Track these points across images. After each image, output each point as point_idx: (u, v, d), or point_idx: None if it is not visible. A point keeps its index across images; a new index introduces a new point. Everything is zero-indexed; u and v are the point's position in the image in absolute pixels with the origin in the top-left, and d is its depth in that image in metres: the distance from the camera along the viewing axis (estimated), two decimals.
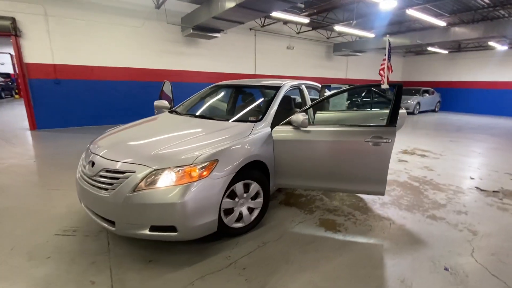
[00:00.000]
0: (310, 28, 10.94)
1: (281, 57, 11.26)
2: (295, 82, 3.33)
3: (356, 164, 2.54)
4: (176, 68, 8.77)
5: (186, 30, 7.91)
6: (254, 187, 2.33)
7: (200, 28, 7.35)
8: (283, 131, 2.58)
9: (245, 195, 2.28)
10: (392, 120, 2.45)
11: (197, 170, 1.87)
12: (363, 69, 14.74)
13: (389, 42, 3.15)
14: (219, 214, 2.08)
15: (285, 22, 10.70)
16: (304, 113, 2.50)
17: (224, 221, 2.17)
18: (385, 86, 2.85)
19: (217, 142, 2.15)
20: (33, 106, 6.86)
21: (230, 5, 5.12)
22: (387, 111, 3.60)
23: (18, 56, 6.50)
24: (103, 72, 7.63)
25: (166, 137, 2.35)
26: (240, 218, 2.30)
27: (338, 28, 8.89)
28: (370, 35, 9.88)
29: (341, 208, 2.91)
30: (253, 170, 2.32)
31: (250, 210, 2.39)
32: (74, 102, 7.41)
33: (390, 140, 2.39)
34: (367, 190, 2.60)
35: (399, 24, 10.68)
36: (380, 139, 2.40)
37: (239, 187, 2.20)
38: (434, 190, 3.49)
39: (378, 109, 4.08)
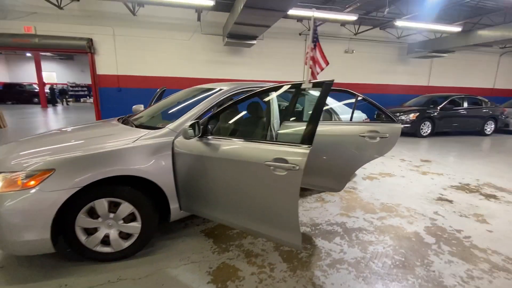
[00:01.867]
0: (370, 27, 9.35)
1: (338, 62, 10.05)
2: (243, 86, 2.71)
3: (257, 197, 1.77)
4: (220, 77, 9.03)
5: (225, 39, 8.05)
6: (125, 207, 1.92)
7: (233, 36, 7.33)
8: (185, 143, 2.07)
9: (111, 215, 1.91)
10: (308, 137, 1.59)
11: (21, 179, 1.64)
12: (451, 74, 11.57)
13: (315, 22, 2.14)
14: (67, 233, 1.79)
15: (343, 23, 9.54)
16: (197, 121, 1.93)
17: (81, 241, 1.86)
18: (306, 85, 1.93)
19: (70, 148, 1.86)
20: (100, 109, 8.37)
21: (240, 8, 4.84)
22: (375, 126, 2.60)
23: (92, 69, 8.08)
24: (156, 81, 8.60)
25: (54, 142, 2.10)
26: (108, 241, 1.94)
27: (400, 23, 7.22)
28: (454, 29, 7.60)
29: (266, 254, 2.11)
30: (124, 187, 1.92)
31: (125, 235, 1.99)
32: (131, 106, 8.63)
33: (297, 167, 1.55)
34: (278, 237, 1.78)
35: (493, 13, 7.81)
36: (284, 163, 1.59)
37: (100, 205, 1.85)
38: (451, 256, 2.15)
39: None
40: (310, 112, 3.03)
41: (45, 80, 17.14)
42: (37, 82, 16.44)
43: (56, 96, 18.37)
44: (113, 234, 1.94)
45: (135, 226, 1.98)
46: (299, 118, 3.46)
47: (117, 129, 2.31)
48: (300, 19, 9.12)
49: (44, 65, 21.02)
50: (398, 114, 8.28)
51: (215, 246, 2.21)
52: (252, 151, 1.75)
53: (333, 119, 3.66)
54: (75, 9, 7.59)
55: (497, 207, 3.17)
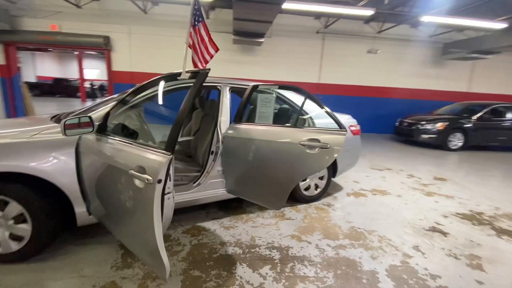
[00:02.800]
0: (394, 24, 8.38)
1: (359, 63, 9.23)
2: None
3: (126, 210, 1.47)
4: (231, 76, 8.85)
5: (232, 37, 7.83)
6: (13, 207, 1.76)
7: (238, 33, 7.07)
8: (89, 141, 1.85)
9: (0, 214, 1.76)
10: (169, 142, 1.25)
11: None
12: (497, 79, 9.91)
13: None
14: None
15: (366, 21, 8.72)
16: (89, 116, 1.69)
17: None
18: (184, 75, 1.54)
19: None
20: None
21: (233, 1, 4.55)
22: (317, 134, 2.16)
23: (108, 66, 8.45)
24: None
25: None
26: None
27: (428, 18, 6.30)
28: (498, 25, 6.43)
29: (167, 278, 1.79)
30: (14, 185, 1.75)
31: (18, 236, 1.83)
32: None
33: (151, 180, 1.21)
34: (146, 261, 1.45)
35: None
36: (142, 173, 1.27)
37: None
38: None
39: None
40: (264, 112, 2.65)
41: (89, 76, 18.71)
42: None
43: (95, 90, 19.98)
44: (2, 234, 1.79)
45: (25, 229, 1.81)
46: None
47: (31, 123, 2.18)
48: (317, 16, 8.54)
49: (89, 62, 23.16)
50: (422, 122, 7.28)
51: (120, 260, 1.95)
52: (123, 155, 1.46)
53: (306, 124, 3.21)
54: (95, 8, 7.99)
55: (509, 248, 2.43)
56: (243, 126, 2.44)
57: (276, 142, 2.29)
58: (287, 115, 3.13)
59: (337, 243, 2.35)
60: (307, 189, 3.16)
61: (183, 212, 2.70)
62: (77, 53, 21.79)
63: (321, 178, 3.23)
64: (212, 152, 2.51)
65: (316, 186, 3.22)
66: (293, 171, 2.25)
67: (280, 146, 2.27)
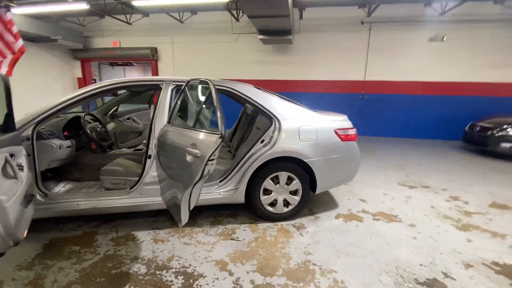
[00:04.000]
0: (459, 1, 6.48)
1: (416, 55, 7.60)
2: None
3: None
4: (265, 78, 8.58)
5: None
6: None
7: (263, 31, 6.73)
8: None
9: None
10: None
11: None
12: None
13: None
14: None
15: (426, 3, 7.11)
16: None
17: None
18: None
19: None
20: None
21: None
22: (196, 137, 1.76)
23: (155, 74, 9.35)
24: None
25: None
26: None
27: None
28: None
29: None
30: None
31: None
32: None
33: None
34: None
35: None
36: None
37: None
38: None
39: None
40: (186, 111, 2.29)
41: None
42: None
43: None
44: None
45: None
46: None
47: None
48: (361, 4, 7.44)
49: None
50: (503, 127, 5.42)
51: (29, 261, 1.95)
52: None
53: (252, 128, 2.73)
54: (145, 23, 8.98)
55: None
56: (168, 128, 2.17)
57: (175, 147, 1.95)
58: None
59: (267, 280, 1.82)
60: (272, 204, 2.63)
61: (129, 217, 2.60)
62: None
63: (293, 192, 2.65)
64: (150, 156, 2.33)
65: (287, 203, 2.65)
66: (183, 181, 1.85)
67: (177, 152, 1.92)
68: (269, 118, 2.56)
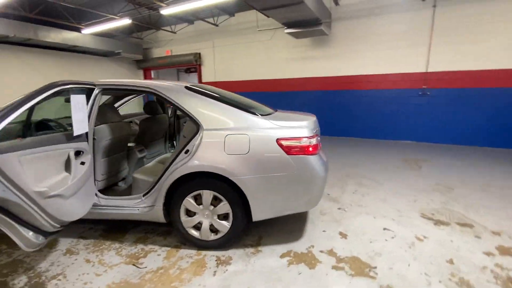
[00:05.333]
0: None
1: (508, 33, 5.43)
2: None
3: None
4: (304, 76, 7.81)
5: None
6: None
7: (289, 24, 6.02)
8: None
9: None
10: None
11: None
12: None
13: None
14: None
15: None
16: None
17: None
18: None
19: None
20: None
21: None
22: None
23: (199, 79, 9.80)
24: (242, 85, 8.95)
25: None
26: None
27: None
28: None
29: None
30: None
31: None
32: None
33: None
34: None
35: None
36: None
37: None
38: None
39: None
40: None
41: None
42: None
43: None
44: None
45: None
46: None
47: None
48: None
49: None
50: None
51: None
52: None
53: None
54: (189, 30, 9.51)
55: None
56: None
57: None
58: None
59: None
60: (198, 228, 2.17)
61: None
62: None
63: (224, 217, 2.12)
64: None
65: (216, 231, 2.14)
66: None
67: None
68: (196, 124, 2.12)
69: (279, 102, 8.40)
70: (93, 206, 2.20)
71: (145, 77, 11.34)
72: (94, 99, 2.24)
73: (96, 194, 2.27)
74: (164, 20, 8.79)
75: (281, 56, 8.08)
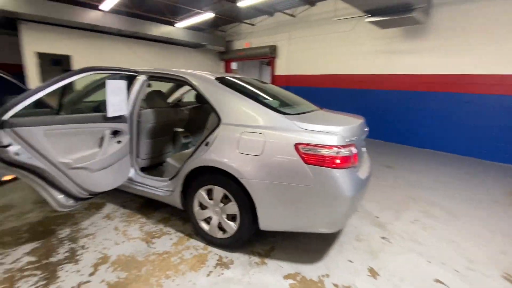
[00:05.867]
0: None
1: None
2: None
3: None
4: (391, 72, 6.75)
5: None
6: None
7: (373, 12, 5.15)
8: None
9: None
10: None
11: None
12: None
13: None
14: None
15: None
16: None
17: None
18: None
19: None
20: None
21: None
22: None
23: (272, 71, 9.77)
24: (317, 80, 8.43)
25: None
26: None
27: None
28: None
29: None
30: None
31: None
32: None
33: None
34: None
35: None
36: None
37: None
38: None
39: None
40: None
41: None
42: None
43: None
44: None
45: None
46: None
47: None
48: None
49: None
50: None
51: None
52: None
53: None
54: (269, 23, 9.49)
55: None
56: None
57: None
58: None
59: None
60: (208, 222, 2.13)
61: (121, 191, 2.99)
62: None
63: (232, 218, 2.01)
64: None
65: (224, 230, 2.05)
66: None
67: None
68: (217, 117, 2.05)
69: (349, 102, 7.57)
70: (130, 181, 2.46)
71: (226, 68, 12.13)
72: (140, 86, 2.45)
73: (135, 170, 2.52)
74: (245, 13, 9.05)
75: (361, 49, 7.16)
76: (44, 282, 1.68)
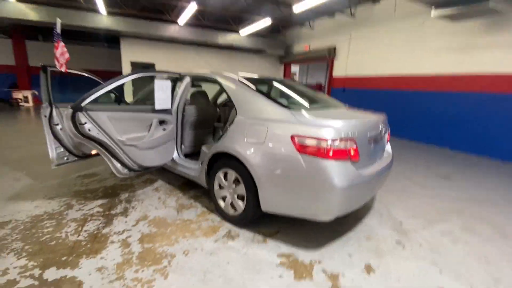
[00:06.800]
0: None
1: None
2: None
3: None
4: (459, 71, 5.91)
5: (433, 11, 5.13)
6: None
7: (440, 3, 4.58)
8: None
9: None
10: None
11: None
12: None
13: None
14: None
15: None
16: None
17: None
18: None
19: None
20: None
21: None
22: None
23: (330, 72, 9.58)
24: (378, 81, 7.93)
25: None
26: None
27: None
28: None
29: None
30: None
31: None
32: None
33: None
34: None
35: None
36: None
37: None
38: None
39: None
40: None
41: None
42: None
43: None
44: None
45: None
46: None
47: None
48: None
49: None
50: None
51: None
52: None
53: None
54: (329, 25, 9.35)
55: None
56: None
57: None
58: None
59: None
60: (223, 199, 2.48)
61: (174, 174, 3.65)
62: None
63: (242, 198, 2.31)
64: None
65: (235, 208, 2.36)
66: None
67: None
68: (235, 110, 2.39)
69: (410, 105, 6.84)
70: (173, 162, 3.04)
71: (285, 71, 12.46)
72: (185, 85, 3.00)
73: (178, 155, 3.10)
74: (304, 16, 9.19)
75: (429, 47, 6.42)
76: (103, 225, 2.34)
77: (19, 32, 10.95)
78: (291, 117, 2.03)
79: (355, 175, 1.90)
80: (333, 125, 1.89)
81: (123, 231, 2.25)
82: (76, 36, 11.95)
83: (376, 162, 2.29)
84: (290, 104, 2.25)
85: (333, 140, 1.81)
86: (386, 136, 2.56)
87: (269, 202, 2.09)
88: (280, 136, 1.98)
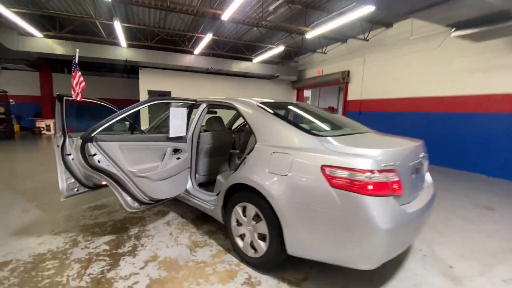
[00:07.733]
0: None
1: None
2: None
3: None
4: (484, 92, 5.59)
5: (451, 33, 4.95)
6: None
7: (459, 25, 4.43)
8: None
9: None
10: None
11: None
12: None
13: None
14: None
15: None
16: None
17: None
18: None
19: None
20: None
21: None
22: None
23: (344, 96, 9.43)
24: (394, 103, 7.70)
25: None
26: None
27: None
28: None
29: None
30: None
31: None
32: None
33: None
34: None
35: None
36: None
37: None
38: None
39: None
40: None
41: None
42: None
43: None
44: None
45: None
46: None
47: None
48: None
49: None
50: None
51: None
52: None
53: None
54: (343, 49, 9.39)
55: None
56: None
57: None
58: None
59: None
60: (242, 237, 2.19)
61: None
62: None
63: (263, 238, 2.02)
64: None
65: (255, 249, 2.07)
66: None
67: None
68: (254, 138, 2.19)
69: (429, 127, 6.46)
70: (187, 193, 2.82)
71: (298, 96, 12.45)
72: (201, 112, 2.88)
73: (192, 185, 2.88)
74: (316, 43, 9.31)
75: (448, 68, 6.19)
76: (109, 267, 2.09)
77: (47, 65, 11.70)
78: (318, 144, 1.80)
79: (399, 212, 1.60)
80: (370, 154, 1.63)
81: (130, 275, 1.99)
82: (97, 68, 12.67)
83: (419, 196, 1.97)
84: (314, 130, 2.03)
85: (373, 172, 1.55)
86: (426, 165, 2.26)
87: (297, 244, 1.79)
88: (308, 166, 1.73)
